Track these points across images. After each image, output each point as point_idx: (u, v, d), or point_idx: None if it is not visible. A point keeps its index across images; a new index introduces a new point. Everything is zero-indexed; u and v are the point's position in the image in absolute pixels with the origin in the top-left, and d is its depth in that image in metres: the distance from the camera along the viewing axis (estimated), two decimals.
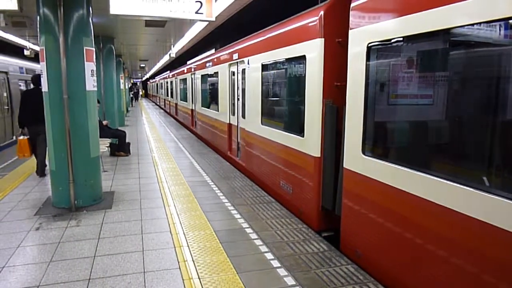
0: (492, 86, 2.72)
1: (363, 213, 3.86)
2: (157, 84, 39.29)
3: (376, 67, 3.72)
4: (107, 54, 13.96)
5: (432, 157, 3.27)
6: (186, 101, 16.43)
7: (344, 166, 4.17)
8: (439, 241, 2.92)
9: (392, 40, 3.41)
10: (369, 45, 3.66)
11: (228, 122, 9.39)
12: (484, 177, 2.65)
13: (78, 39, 5.22)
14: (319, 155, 4.76)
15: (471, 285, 2.68)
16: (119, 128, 12.61)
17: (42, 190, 6.35)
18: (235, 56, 8.32)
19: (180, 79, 18.42)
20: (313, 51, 4.74)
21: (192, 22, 9.39)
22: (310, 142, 4.92)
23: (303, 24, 5.09)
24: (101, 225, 4.82)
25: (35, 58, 11.96)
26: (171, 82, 22.76)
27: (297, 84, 5.41)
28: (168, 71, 27.01)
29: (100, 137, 6.05)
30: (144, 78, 58.91)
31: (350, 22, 3.96)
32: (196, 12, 5.11)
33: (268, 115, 6.67)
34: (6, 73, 11.56)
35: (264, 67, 6.60)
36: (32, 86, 7.36)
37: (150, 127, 16.64)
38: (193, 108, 14.79)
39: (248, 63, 7.41)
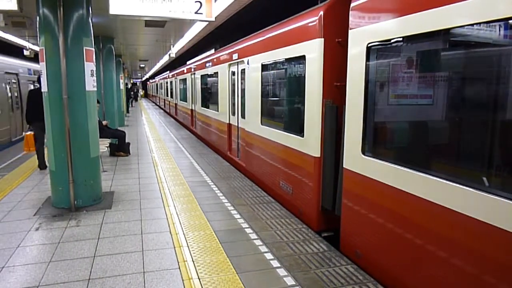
0: (491, 86, 2.72)
1: (363, 213, 3.86)
2: (157, 84, 39.29)
3: (376, 67, 3.72)
4: (107, 54, 13.96)
5: (431, 157, 3.27)
6: (186, 101, 16.43)
7: (344, 166, 4.17)
8: (439, 242, 2.92)
9: (392, 40, 3.41)
10: (369, 45, 3.66)
11: (228, 122, 9.39)
12: (484, 178, 2.65)
13: (78, 39, 5.22)
14: (319, 155, 4.76)
15: (471, 285, 2.68)
16: (119, 128, 12.61)
17: (41, 190, 6.34)
18: (235, 56, 8.32)
19: (180, 79, 18.42)
20: (313, 51, 4.74)
21: (191, 22, 9.39)
22: (310, 142, 4.92)
23: (303, 24, 5.09)
24: (100, 225, 4.82)
25: (35, 58, 11.98)
26: (171, 82, 22.76)
27: (297, 84, 5.41)
28: (168, 71, 27.01)
29: (100, 137, 6.05)
30: (144, 78, 58.92)
31: (350, 22, 3.96)
32: (196, 12, 5.11)
33: (268, 115, 6.67)
34: (17, 74, 12.87)
35: (264, 67, 6.60)
36: (38, 85, 7.71)
37: (150, 127, 16.64)
38: (193, 108, 14.79)
39: (247, 63, 7.41)
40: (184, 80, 16.67)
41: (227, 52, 9.18)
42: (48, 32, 5.10)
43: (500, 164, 2.66)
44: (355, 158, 3.95)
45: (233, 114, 8.94)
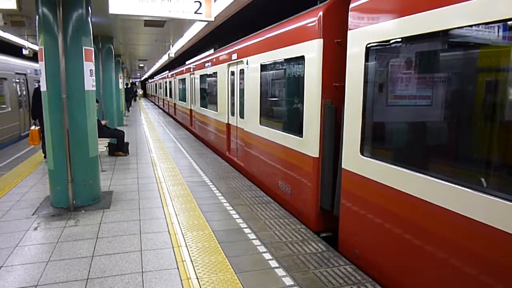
0: (490, 88, 2.73)
1: (361, 214, 3.87)
2: (155, 84, 39.27)
3: (375, 68, 3.72)
4: (106, 53, 13.95)
5: (430, 158, 3.27)
6: (185, 101, 16.42)
7: (342, 166, 4.18)
8: (437, 242, 2.93)
9: (391, 41, 3.41)
10: (368, 45, 3.67)
11: (226, 122, 9.39)
12: (482, 178, 2.66)
13: (77, 39, 5.22)
14: (317, 156, 4.77)
15: (469, 286, 2.69)
16: (118, 128, 12.60)
17: (40, 190, 6.34)
18: (234, 56, 8.32)
19: (179, 79, 18.41)
20: (312, 51, 4.75)
21: (191, 22, 9.38)
22: (309, 143, 4.92)
23: (302, 24, 5.10)
24: (99, 225, 4.82)
25: (34, 57, 11.99)
26: (170, 82, 22.75)
27: (296, 85, 5.41)
28: (167, 71, 26.99)
29: (99, 137, 6.04)
30: (142, 78, 58.87)
31: (349, 22, 3.96)
32: (195, 12, 5.10)
33: (267, 115, 6.68)
34: (25, 74, 13.89)
35: (263, 68, 6.60)
36: None
37: (148, 127, 16.63)
38: (192, 108, 14.79)
39: (247, 63, 7.41)
40: (183, 80, 16.67)
41: (226, 52, 9.19)
42: (47, 31, 5.10)
43: (498, 165, 2.67)
44: (353, 159, 3.96)
45: (232, 114, 8.94)
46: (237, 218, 5.09)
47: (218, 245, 4.24)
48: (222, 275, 3.57)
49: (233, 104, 8.85)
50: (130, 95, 28.93)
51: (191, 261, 3.84)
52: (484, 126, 2.74)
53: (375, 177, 3.61)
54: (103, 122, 9.59)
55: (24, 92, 13.77)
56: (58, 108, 5.19)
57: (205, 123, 12.12)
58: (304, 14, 5.12)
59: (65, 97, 5.12)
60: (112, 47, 14.17)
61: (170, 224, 4.85)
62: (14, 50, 13.93)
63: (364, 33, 3.73)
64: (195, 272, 3.63)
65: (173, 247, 4.18)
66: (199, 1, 5.08)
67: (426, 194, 2.99)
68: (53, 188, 5.51)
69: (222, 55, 9.62)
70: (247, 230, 4.68)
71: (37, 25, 5.19)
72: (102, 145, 7.79)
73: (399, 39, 3.32)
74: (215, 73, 10.22)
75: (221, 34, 13.15)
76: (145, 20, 8.95)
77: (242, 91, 7.91)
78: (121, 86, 19.91)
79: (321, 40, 4.60)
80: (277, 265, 3.79)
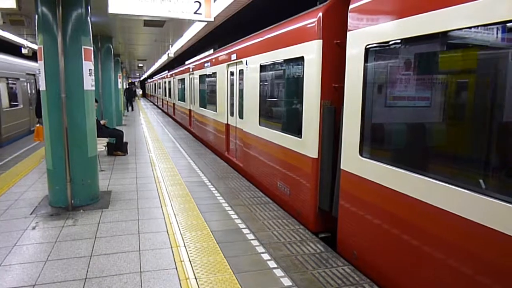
0: (489, 89, 2.74)
1: (360, 215, 3.87)
2: (155, 84, 39.25)
3: (374, 69, 3.73)
4: (105, 53, 13.94)
5: (429, 159, 3.28)
6: (184, 101, 16.42)
7: (341, 167, 4.18)
8: (435, 243, 2.94)
9: (390, 42, 3.42)
10: (367, 47, 3.68)
11: (226, 122, 9.39)
12: (481, 180, 2.67)
13: (77, 38, 5.22)
14: (316, 156, 4.77)
15: (466, 286, 2.69)
16: (117, 127, 12.59)
17: (39, 189, 6.33)
18: (234, 56, 8.32)
19: (178, 79, 18.41)
20: (312, 52, 4.75)
21: (190, 22, 9.39)
22: (308, 143, 4.93)
23: (302, 25, 5.10)
24: (98, 225, 4.81)
25: (33, 56, 12.00)
26: (169, 82, 22.74)
27: (295, 85, 5.42)
28: (166, 71, 26.98)
29: (98, 136, 6.04)
30: (142, 78, 58.82)
31: (349, 24, 3.97)
32: (195, 13, 5.11)
33: (266, 116, 6.68)
34: (34, 75, 14.74)
35: (262, 68, 6.61)
36: None
37: (147, 127, 16.62)
38: (191, 108, 14.79)
39: (246, 64, 7.42)
40: (183, 80, 16.66)
41: (225, 52, 9.19)
42: (46, 30, 5.10)
43: (497, 166, 2.68)
44: (352, 160, 3.96)
45: (231, 114, 8.94)
46: (236, 219, 5.09)
47: (216, 245, 4.24)
48: (220, 275, 3.57)
49: (232, 105, 8.85)
50: (132, 94, 29.13)
51: (190, 261, 3.84)
52: (483, 128, 2.75)
53: (374, 178, 3.61)
54: (102, 122, 9.58)
55: (34, 91, 14.83)
56: (57, 107, 5.19)
57: (204, 123, 12.12)
58: (303, 15, 5.13)
59: (64, 96, 5.12)
60: (111, 46, 14.16)
61: (168, 224, 4.84)
62: (13, 49, 13.92)
63: (363, 34, 3.73)
64: (193, 272, 3.63)
65: (171, 247, 4.18)
66: (198, 1, 5.08)
67: (425, 195, 2.99)
68: (51, 188, 5.50)
69: (221, 55, 9.62)
70: (245, 231, 4.68)
71: (36, 24, 5.18)
72: (101, 144, 7.78)
73: (398, 41, 3.33)
74: (215, 73, 10.22)
75: (220, 35, 13.16)
76: (144, 20, 8.95)
77: (241, 91, 7.92)
78: (120, 86, 19.91)
79: (321, 41, 4.61)
80: (276, 266, 3.79)
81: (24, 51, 13.68)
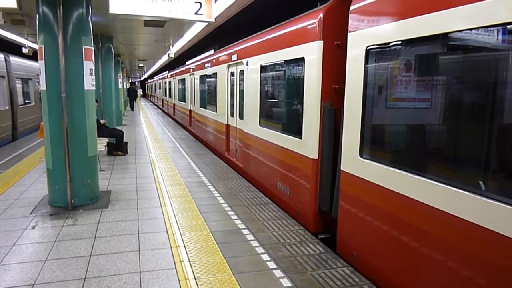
0: (489, 91, 2.74)
1: (360, 216, 3.87)
2: (155, 84, 39.26)
3: (375, 70, 3.73)
4: (106, 53, 13.95)
5: (429, 160, 3.28)
6: (184, 102, 16.42)
7: (341, 168, 4.18)
8: (434, 244, 2.94)
9: (391, 44, 3.42)
10: (368, 48, 3.68)
11: (226, 123, 9.39)
12: (481, 181, 2.67)
13: (77, 38, 5.22)
14: (316, 157, 4.77)
15: None
16: (117, 127, 12.59)
17: (38, 189, 6.33)
18: (234, 57, 8.33)
19: (178, 79, 18.41)
20: (312, 53, 4.76)
21: (191, 22, 9.39)
22: (308, 144, 4.93)
23: (303, 26, 5.10)
24: (97, 225, 4.81)
25: (34, 56, 12.02)
26: (169, 82, 22.75)
27: (296, 86, 5.42)
28: (167, 71, 27.01)
29: (98, 136, 6.04)
30: (142, 78, 58.83)
31: (349, 25, 3.97)
32: (196, 13, 5.11)
33: (266, 116, 6.68)
34: None
35: (263, 69, 6.61)
36: None
37: (147, 127, 16.62)
38: (191, 108, 14.79)
39: (246, 64, 7.42)
40: (183, 80, 16.67)
41: (226, 53, 9.19)
42: (47, 30, 5.10)
43: (497, 168, 2.68)
44: (352, 161, 3.96)
45: (232, 115, 8.94)
46: (236, 219, 5.09)
47: (216, 245, 4.24)
48: (220, 275, 3.57)
49: (232, 105, 8.85)
50: (134, 94, 29.58)
51: (189, 262, 3.84)
52: (483, 129, 2.75)
53: (374, 179, 3.61)
54: (102, 122, 9.58)
55: None
56: (57, 107, 5.19)
57: (204, 123, 12.12)
58: (304, 16, 5.13)
59: (64, 96, 5.12)
60: (112, 46, 14.17)
61: (168, 224, 4.84)
62: (14, 49, 13.93)
63: (364, 35, 3.74)
64: (193, 272, 3.63)
65: (171, 247, 4.17)
66: (199, 2, 5.08)
67: (425, 196, 2.99)
68: (51, 187, 5.50)
69: (222, 56, 9.62)
70: (245, 231, 4.68)
71: (37, 24, 5.18)
72: (101, 144, 7.78)
73: (399, 42, 3.33)
74: (215, 73, 10.22)
75: (221, 35, 13.17)
76: (145, 20, 8.95)
77: (241, 92, 7.92)
78: (120, 85, 19.92)
79: (321, 42, 4.61)
80: (275, 267, 3.78)
81: (24, 50, 13.68)
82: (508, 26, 2.41)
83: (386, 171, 3.45)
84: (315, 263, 3.90)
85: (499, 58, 2.63)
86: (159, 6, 4.95)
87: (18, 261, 3.81)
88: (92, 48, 5.50)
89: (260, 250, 4.16)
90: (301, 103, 5.09)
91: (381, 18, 3.51)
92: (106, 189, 6.45)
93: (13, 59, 13.25)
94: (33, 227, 4.69)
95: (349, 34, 3.99)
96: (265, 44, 6.46)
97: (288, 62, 5.62)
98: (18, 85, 13.64)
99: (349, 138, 4.02)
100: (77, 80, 5.26)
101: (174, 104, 21.02)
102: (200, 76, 12.50)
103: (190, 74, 14.61)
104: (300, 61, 5.10)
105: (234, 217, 5.18)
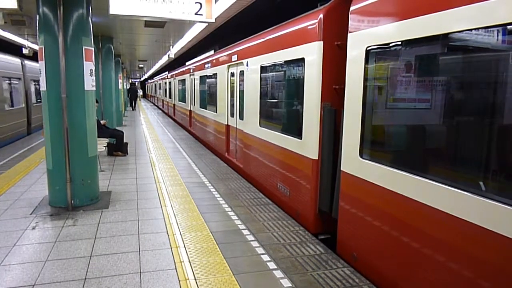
0: (490, 92, 2.74)
1: (360, 216, 3.87)
2: (155, 85, 39.27)
3: (375, 70, 3.73)
4: (106, 53, 13.95)
5: (429, 161, 3.28)
6: (185, 102, 16.42)
7: (341, 168, 4.18)
8: (435, 245, 2.93)
9: (391, 44, 3.42)
10: (368, 48, 3.68)
11: (226, 123, 9.39)
12: (481, 182, 2.67)
13: (78, 39, 5.22)
14: (316, 158, 4.77)
15: None
16: (117, 128, 12.59)
17: (38, 189, 6.33)
18: (234, 57, 8.33)
19: (178, 80, 18.42)
20: (312, 54, 4.76)
21: (191, 23, 9.39)
22: (308, 145, 4.93)
23: (303, 26, 5.11)
24: (97, 225, 4.81)
25: (34, 57, 12.04)
26: (170, 82, 22.76)
27: (296, 87, 5.42)
28: (167, 72, 27.03)
29: (98, 136, 6.04)
30: (142, 79, 58.83)
31: (349, 25, 3.97)
32: (196, 14, 5.11)
33: (267, 117, 6.68)
34: None
35: (263, 69, 6.61)
36: None
37: (148, 127, 16.62)
38: (191, 109, 14.80)
39: (247, 65, 7.42)
40: (183, 81, 16.68)
41: (226, 53, 9.20)
42: (47, 31, 5.10)
43: (497, 169, 2.68)
44: (352, 161, 3.96)
45: (232, 115, 8.95)
46: (236, 220, 5.09)
47: (216, 246, 4.24)
48: (220, 276, 3.57)
49: (232, 106, 8.86)
50: (135, 93, 30.16)
51: (189, 262, 3.84)
52: (484, 130, 2.75)
53: (374, 180, 3.61)
54: (102, 122, 9.59)
55: None
56: (57, 107, 5.19)
57: (205, 124, 12.12)
58: (304, 16, 5.13)
59: (64, 96, 5.12)
60: (112, 47, 14.17)
61: (168, 225, 4.84)
62: (14, 49, 13.93)
63: (364, 35, 3.74)
64: (193, 273, 3.63)
65: (171, 248, 4.17)
66: (199, 2, 5.09)
67: (425, 197, 2.99)
68: (51, 188, 5.51)
69: (222, 56, 9.63)
70: (245, 232, 4.68)
71: (37, 24, 5.19)
72: (101, 145, 7.78)
73: (399, 42, 3.33)
74: (215, 74, 10.22)
75: (221, 36, 13.17)
76: (145, 20, 8.96)
77: (242, 92, 7.92)
78: (120, 86, 19.93)
79: (321, 42, 4.61)
80: (275, 267, 3.78)
81: (25, 51, 13.68)
82: (508, 27, 2.41)
83: (386, 172, 3.45)
84: (315, 263, 3.90)
85: (500, 59, 2.63)
86: (159, 7, 4.96)
87: (19, 262, 3.81)
88: (92, 48, 5.51)
89: (260, 250, 4.16)
90: (301, 103, 5.10)
91: (381, 19, 3.51)
92: (106, 189, 6.45)
93: (28, 63, 14.84)
94: (34, 228, 4.69)
95: (349, 34, 3.99)
96: (265, 45, 6.46)
97: (288, 62, 5.62)
98: (32, 86, 15.27)
99: (349, 138, 4.02)
100: (77, 80, 5.26)
101: (174, 104, 21.03)
102: (200, 76, 12.51)
103: (190, 75, 14.62)
104: (300, 61, 5.10)
105: (234, 217, 5.18)
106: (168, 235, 4.52)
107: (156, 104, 37.95)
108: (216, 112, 10.29)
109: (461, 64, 3.03)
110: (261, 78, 6.71)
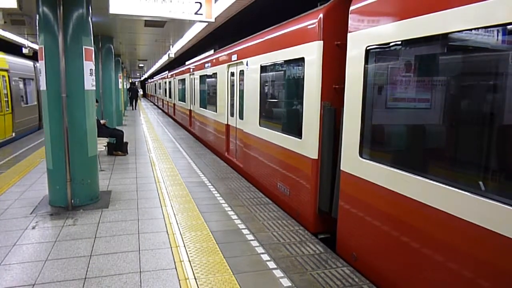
0: (489, 91, 2.74)
1: (360, 216, 3.88)
2: (155, 84, 39.27)
3: (374, 70, 3.74)
4: (106, 53, 13.95)
5: (429, 160, 3.28)
6: (185, 102, 16.43)
7: (341, 168, 4.18)
8: (435, 245, 2.94)
9: (391, 44, 3.43)
10: (368, 48, 3.68)
11: (226, 123, 9.39)
12: (480, 182, 2.67)
13: (78, 38, 5.22)
14: (316, 157, 4.78)
15: None
16: (117, 127, 12.59)
17: (38, 189, 6.33)
18: (234, 57, 8.33)
19: (178, 80, 18.42)
20: (312, 53, 4.76)
21: (191, 22, 9.39)
22: (308, 144, 4.93)
23: (302, 26, 5.11)
24: (97, 225, 4.81)
25: (34, 56, 12.06)
26: (169, 82, 22.76)
27: (296, 86, 5.42)
28: (167, 71, 27.03)
29: (98, 136, 6.04)
30: (142, 78, 58.82)
31: (349, 25, 3.98)
32: (196, 13, 5.12)
33: (266, 116, 6.68)
34: None
35: (263, 69, 6.61)
36: None
37: (147, 127, 16.63)
38: (191, 108, 14.80)
39: (246, 65, 7.42)
40: (183, 81, 16.68)
41: (226, 53, 9.20)
42: (47, 30, 5.10)
43: (496, 168, 2.68)
44: (352, 161, 3.96)
45: (232, 115, 8.95)
46: (236, 219, 5.09)
47: (216, 245, 4.24)
48: (220, 275, 3.58)
49: (232, 105, 8.86)
50: (135, 93, 30.55)
51: (189, 262, 3.85)
52: (483, 130, 2.75)
53: (374, 179, 3.61)
54: (102, 122, 9.59)
55: None
56: (57, 107, 5.19)
57: (204, 123, 12.12)
58: (304, 16, 5.14)
59: (64, 96, 5.12)
60: (112, 46, 14.17)
61: (168, 224, 4.85)
62: (14, 49, 13.93)
63: (364, 35, 3.74)
64: (193, 272, 3.63)
65: (171, 247, 4.18)
66: (199, 2, 5.09)
67: (425, 197, 2.99)
68: (51, 187, 5.51)
69: (222, 56, 9.63)
70: (245, 231, 4.68)
71: (37, 24, 5.19)
72: (101, 144, 7.78)
73: (399, 42, 3.33)
74: (215, 74, 10.23)
75: (221, 35, 13.16)
76: (145, 20, 8.96)
77: (241, 92, 7.93)
78: (120, 86, 19.94)
79: (321, 42, 4.61)
80: (275, 266, 3.79)
81: (25, 51, 13.68)
82: (508, 27, 2.41)
83: (385, 171, 3.45)
84: (315, 263, 3.91)
85: (499, 59, 2.63)
86: (159, 6, 4.96)
87: (19, 261, 3.82)
88: (92, 48, 5.51)
89: (260, 250, 4.17)
90: (301, 103, 5.10)
91: (380, 19, 3.51)
92: (106, 189, 6.45)
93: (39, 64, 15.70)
94: (34, 227, 4.70)
95: (349, 34, 3.99)
96: (265, 44, 6.46)
97: (288, 62, 5.62)
98: None
99: (349, 138, 4.02)
100: (77, 80, 5.26)
101: (174, 104, 21.03)
102: (200, 76, 12.51)
103: (190, 74, 14.62)
104: (300, 61, 5.10)
105: (234, 217, 5.18)
106: (168, 235, 4.52)
107: (156, 103, 37.95)
108: (216, 112, 10.29)
109: (460, 64, 3.03)
110: (261, 78, 6.71)
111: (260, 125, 6.76)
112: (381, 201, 3.53)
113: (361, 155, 3.82)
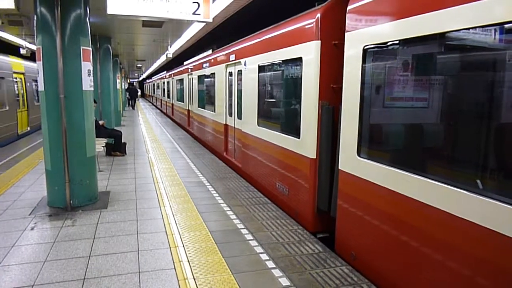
0: (487, 90, 2.75)
1: (358, 215, 3.89)
2: (153, 85, 39.22)
3: (372, 69, 3.74)
4: (104, 53, 13.93)
5: (427, 159, 3.29)
6: (183, 102, 16.42)
7: (339, 167, 4.19)
8: (434, 244, 2.95)
9: (388, 43, 3.43)
10: (365, 47, 3.69)
11: (224, 123, 9.39)
12: (478, 180, 2.68)
13: (75, 39, 5.22)
14: (314, 157, 4.78)
15: None
16: (115, 128, 12.58)
17: (37, 190, 6.33)
18: (232, 57, 8.33)
19: (176, 80, 18.41)
20: (310, 53, 4.77)
21: (189, 22, 9.38)
22: (306, 144, 4.94)
23: (300, 26, 5.11)
24: (96, 225, 4.81)
25: (31, 57, 12.05)
26: (168, 82, 22.74)
27: (294, 86, 5.43)
28: (165, 72, 27.01)
29: (96, 137, 6.04)
30: (140, 78, 58.74)
31: (347, 24, 3.98)
32: (194, 13, 5.12)
33: (265, 116, 6.69)
34: None
35: (261, 69, 6.62)
36: None
37: (146, 127, 16.62)
38: (190, 108, 14.80)
39: (245, 64, 7.43)
40: (181, 81, 16.67)
41: (224, 53, 9.20)
42: (45, 31, 5.10)
43: (494, 167, 2.69)
44: (350, 160, 3.97)
45: (230, 115, 8.95)
46: (234, 219, 5.10)
47: (215, 245, 4.25)
48: (218, 275, 3.58)
49: (231, 105, 8.86)
50: (134, 93, 30.91)
51: (188, 262, 3.85)
52: (481, 129, 2.76)
53: (372, 179, 3.62)
54: (100, 122, 9.58)
55: None
56: (56, 108, 5.19)
57: (203, 123, 12.12)
58: (302, 16, 5.14)
59: (62, 97, 5.12)
60: (110, 47, 14.15)
61: (167, 225, 4.85)
62: (11, 50, 13.89)
63: (361, 35, 3.75)
64: (192, 272, 3.64)
65: (170, 248, 4.18)
66: (197, 2, 5.09)
67: (423, 195, 3.00)
68: (50, 188, 5.50)
69: (220, 56, 9.63)
70: (244, 231, 4.69)
71: (35, 24, 5.18)
72: (100, 145, 7.78)
73: (396, 42, 3.34)
74: (213, 73, 10.23)
75: (219, 35, 13.15)
76: (143, 20, 8.95)
77: (240, 92, 7.93)
78: (118, 86, 19.91)
79: (319, 41, 4.62)
80: (274, 266, 3.80)
81: (22, 51, 13.65)
82: (505, 26, 2.42)
83: (384, 170, 3.46)
84: (314, 262, 3.92)
85: (496, 58, 2.64)
86: (157, 7, 4.96)
87: (17, 262, 3.82)
88: (90, 48, 5.50)
89: (259, 249, 4.17)
90: (299, 102, 5.11)
91: (378, 18, 3.52)
92: (105, 189, 6.45)
93: None
94: (32, 228, 4.69)
95: (346, 34, 4.00)
96: (263, 44, 6.47)
97: (286, 62, 5.63)
98: None
99: (347, 137, 4.03)
100: (75, 81, 5.26)
101: (172, 104, 21.02)
102: (198, 76, 12.51)
103: (188, 74, 14.61)
104: (298, 61, 5.11)
105: (233, 216, 5.19)
106: (167, 235, 4.53)
107: (155, 104, 37.90)
108: (215, 112, 10.29)
109: (457, 63, 3.04)
110: (259, 78, 6.72)
111: (258, 125, 6.76)
112: (380, 200, 3.54)
113: (359, 154, 3.83)
